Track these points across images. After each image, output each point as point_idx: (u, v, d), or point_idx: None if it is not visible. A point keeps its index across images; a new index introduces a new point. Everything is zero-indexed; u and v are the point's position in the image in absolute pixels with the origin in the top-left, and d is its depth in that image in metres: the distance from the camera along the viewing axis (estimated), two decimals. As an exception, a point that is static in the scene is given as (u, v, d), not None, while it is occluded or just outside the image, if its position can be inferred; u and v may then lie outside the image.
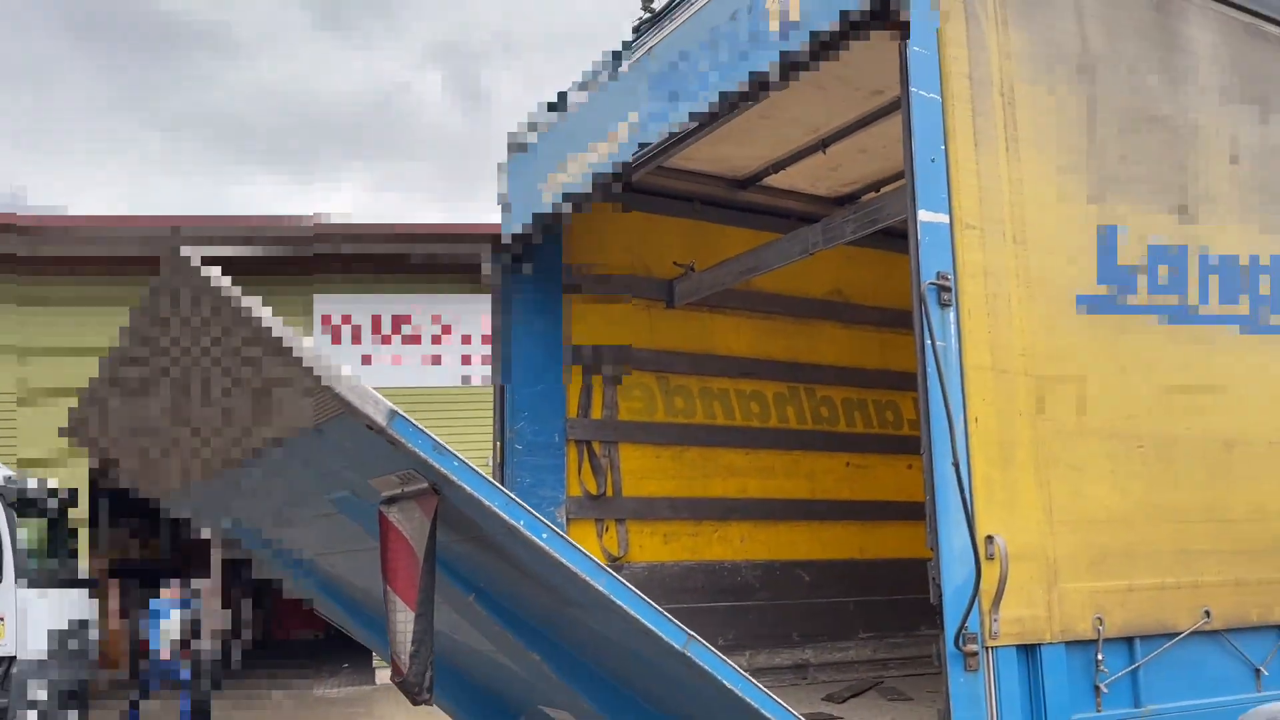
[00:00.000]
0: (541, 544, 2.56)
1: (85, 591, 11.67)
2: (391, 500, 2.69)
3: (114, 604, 16.38)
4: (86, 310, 14.83)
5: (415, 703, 2.66)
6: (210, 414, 3.08)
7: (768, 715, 2.70)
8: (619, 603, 2.62)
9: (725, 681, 2.67)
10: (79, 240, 15.11)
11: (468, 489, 2.51)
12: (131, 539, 19.74)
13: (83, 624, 11.32)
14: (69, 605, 11.09)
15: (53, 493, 11.24)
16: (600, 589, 2.60)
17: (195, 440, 3.30)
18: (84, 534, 13.89)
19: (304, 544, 4.08)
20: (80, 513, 13.31)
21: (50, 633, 10.54)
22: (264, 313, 2.47)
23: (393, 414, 2.44)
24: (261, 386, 2.72)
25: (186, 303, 2.67)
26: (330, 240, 15.25)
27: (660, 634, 2.63)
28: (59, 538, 11.55)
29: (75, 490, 12.34)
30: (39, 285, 15.21)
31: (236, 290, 2.48)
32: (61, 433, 4.02)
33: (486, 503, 2.53)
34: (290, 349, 2.45)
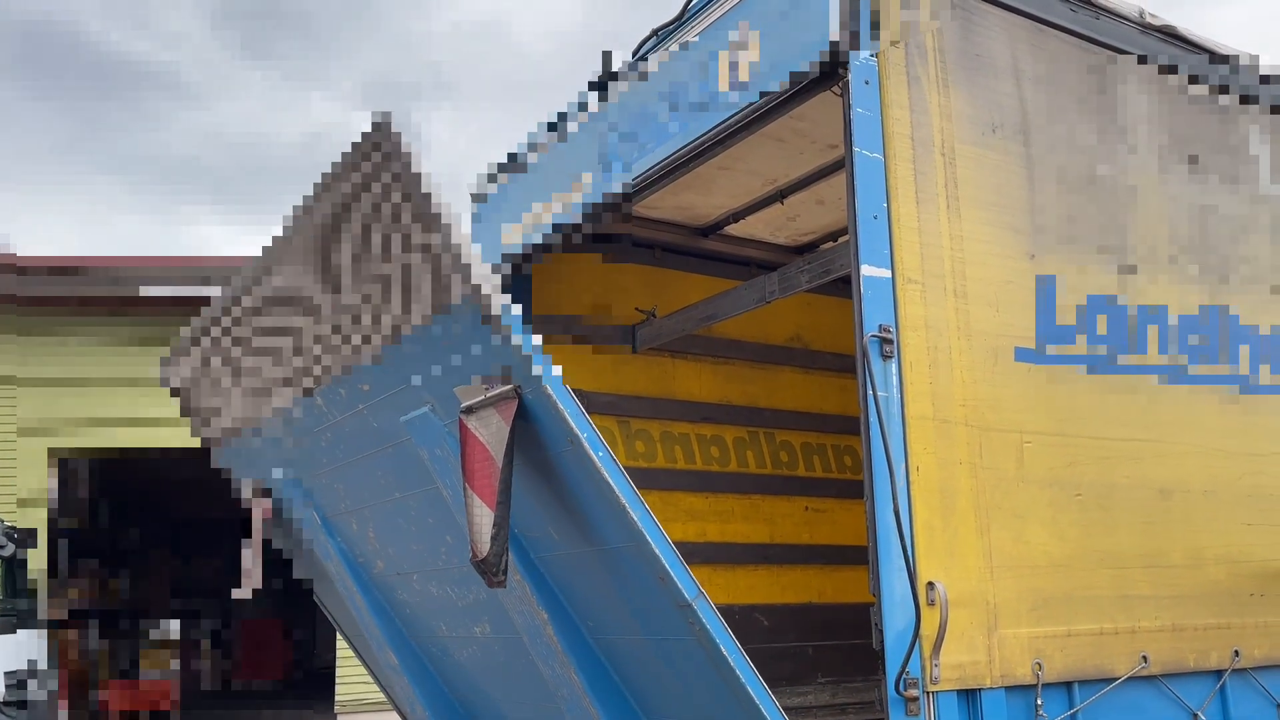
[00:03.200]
0: (596, 460, 2.80)
1: (44, 635, 11.48)
2: (470, 409, 2.96)
3: (72, 651, 16.08)
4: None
5: (491, 584, 2.95)
6: (352, 300, 3.42)
7: (752, 695, 2.83)
8: (647, 537, 2.81)
9: (721, 646, 2.83)
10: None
11: (549, 390, 2.78)
12: (90, 582, 19.42)
13: (40, 669, 11.13)
14: (25, 648, 10.90)
15: (10, 534, 11.09)
16: (634, 518, 2.80)
17: (326, 336, 3.65)
18: (42, 577, 13.68)
19: (346, 495, 4.30)
20: (38, 555, 13.13)
21: (6, 675, 10.36)
22: (436, 191, 2.84)
23: (509, 307, 2.81)
24: (412, 265, 3.04)
25: (377, 168, 2.97)
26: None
27: (676, 580, 2.80)
28: (16, 579, 11.37)
29: (34, 530, 12.18)
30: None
31: (424, 166, 2.85)
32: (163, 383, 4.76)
33: (561, 407, 2.81)
34: (450, 229, 2.81)
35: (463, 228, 2.84)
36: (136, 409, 15.14)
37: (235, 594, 4.94)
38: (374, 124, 2.93)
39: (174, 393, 4.85)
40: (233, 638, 25.20)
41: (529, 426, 2.93)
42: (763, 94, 3.65)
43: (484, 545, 2.89)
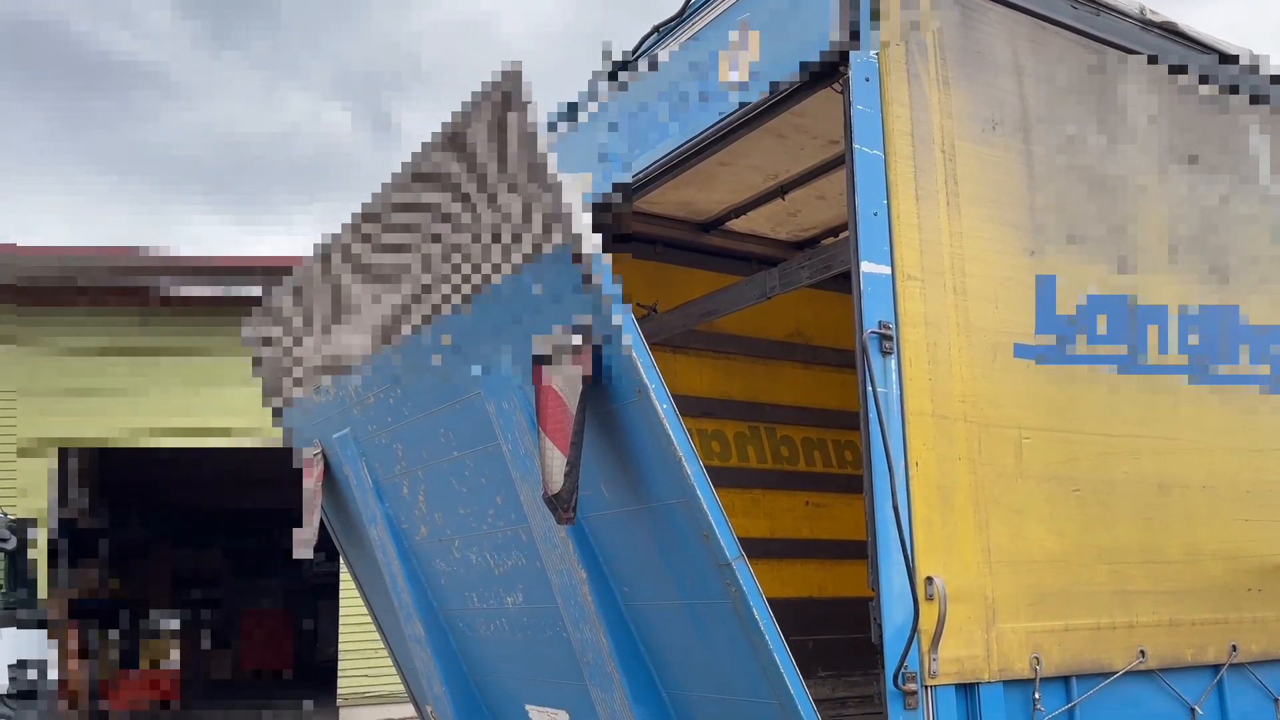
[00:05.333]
0: (661, 411, 2.98)
1: (44, 630, 11.53)
2: (547, 359, 3.18)
3: (73, 644, 16.13)
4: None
5: (560, 520, 3.16)
6: (447, 249, 3.67)
7: (778, 663, 2.94)
8: (698, 492, 2.96)
9: (754, 609, 2.95)
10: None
11: (626, 339, 3.01)
12: (92, 578, 19.48)
13: (41, 664, 11.18)
14: (27, 642, 10.95)
15: (11, 529, 11.13)
16: (688, 472, 2.96)
17: (414, 289, 3.93)
18: (43, 572, 13.73)
19: (404, 456, 4.54)
20: (39, 551, 13.18)
21: (10, 668, 10.41)
22: (544, 139, 3.08)
23: (600, 256, 3.03)
24: (513, 213, 3.27)
25: (497, 115, 3.20)
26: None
27: (719, 538, 2.95)
28: (17, 575, 11.42)
29: (34, 520, 12.23)
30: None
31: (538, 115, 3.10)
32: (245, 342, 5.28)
33: (636, 356, 3.01)
34: (556, 176, 3.05)
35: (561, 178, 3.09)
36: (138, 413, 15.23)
37: (294, 555, 5.16)
38: (502, 73, 3.13)
39: (255, 360, 5.29)
40: (237, 630, 25.28)
41: (599, 376, 3.13)
42: (763, 92, 3.66)
43: (556, 482, 3.09)
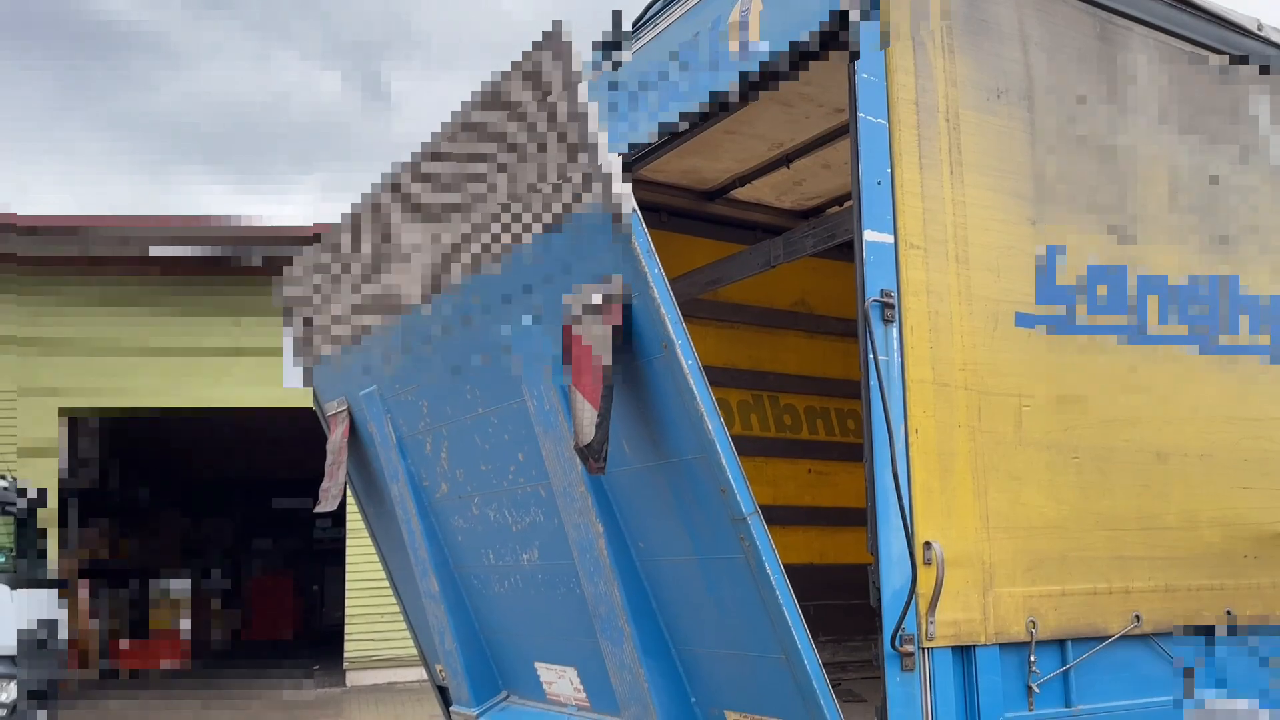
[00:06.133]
0: (685, 367, 3.07)
1: (55, 591, 11.65)
2: (578, 315, 3.31)
3: (84, 605, 16.33)
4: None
5: (591, 470, 3.28)
6: (485, 206, 3.76)
7: (787, 616, 3.05)
8: (718, 446, 3.05)
9: (766, 563, 3.06)
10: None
11: (655, 294, 3.09)
12: (101, 540, 19.68)
13: (52, 624, 11.31)
14: (38, 605, 11.07)
15: (22, 492, 11.22)
16: (709, 426, 3.06)
17: (449, 246, 4.03)
18: (53, 534, 13.87)
19: (429, 413, 4.67)
20: (49, 513, 13.30)
21: (19, 632, 10.52)
22: (585, 95, 3.16)
23: (634, 211, 3.09)
24: (550, 168, 3.36)
25: (540, 71, 3.29)
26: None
27: (736, 492, 3.05)
28: (28, 537, 11.53)
29: (45, 490, 12.33)
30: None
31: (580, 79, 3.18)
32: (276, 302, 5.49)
33: (664, 311, 3.10)
34: (595, 133, 3.13)
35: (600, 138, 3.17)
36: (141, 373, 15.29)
37: (318, 508, 5.31)
38: (545, 33, 3.21)
39: (285, 312, 5.43)
40: (243, 595, 25.54)
41: (627, 332, 3.22)
42: (766, 60, 3.67)
43: (588, 434, 3.20)
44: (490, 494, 4.42)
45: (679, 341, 3.09)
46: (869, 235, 3.32)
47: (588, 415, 3.20)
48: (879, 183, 3.36)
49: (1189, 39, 4.37)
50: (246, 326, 15.71)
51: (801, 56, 3.57)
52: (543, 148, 3.36)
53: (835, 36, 3.46)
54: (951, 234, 3.52)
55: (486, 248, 3.80)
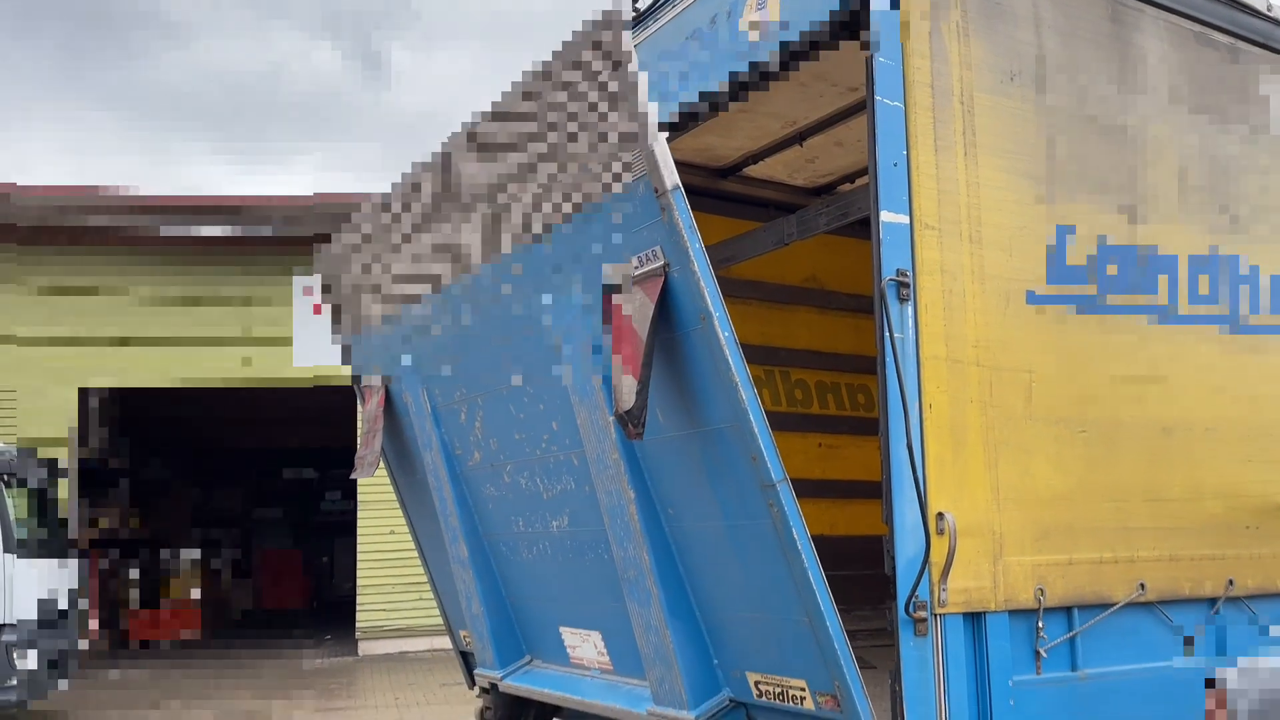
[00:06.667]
0: (722, 338, 3.20)
1: (73, 563, 11.83)
2: (618, 287, 3.46)
3: (94, 576, 16.54)
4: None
5: (630, 435, 3.39)
6: (533, 181, 3.91)
7: (811, 579, 3.18)
8: (750, 415, 3.19)
9: (793, 528, 3.20)
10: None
11: (696, 268, 3.22)
12: (114, 512, 19.88)
13: (70, 594, 11.49)
14: (56, 576, 11.25)
15: (40, 464, 11.38)
16: (743, 396, 3.19)
17: (493, 220, 4.20)
18: (70, 506, 14.05)
19: (465, 383, 4.84)
20: (66, 485, 13.48)
21: (40, 602, 10.70)
22: (636, 74, 3.30)
23: (677, 186, 3.23)
24: (599, 145, 3.50)
25: (596, 49, 3.44)
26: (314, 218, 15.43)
27: (767, 460, 3.19)
28: (47, 509, 11.69)
29: (55, 460, 12.48)
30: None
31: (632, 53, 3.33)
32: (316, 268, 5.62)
33: (703, 284, 3.23)
34: (646, 109, 3.27)
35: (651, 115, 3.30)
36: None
37: (354, 475, 5.54)
38: (603, 12, 3.34)
39: (324, 284, 5.58)
40: (254, 567, 25.79)
41: (666, 305, 3.34)
42: (785, 45, 3.75)
43: (628, 401, 3.34)
44: (523, 462, 4.57)
45: (716, 314, 3.22)
46: (885, 216, 3.42)
47: (628, 383, 3.33)
48: (895, 165, 3.45)
49: (1199, 19, 4.43)
50: (257, 305, 15.85)
51: (819, 42, 3.64)
52: (591, 126, 3.49)
53: (853, 22, 3.54)
54: (965, 214, 3.61)
55: (531, 222, 3.92)
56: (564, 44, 3.55)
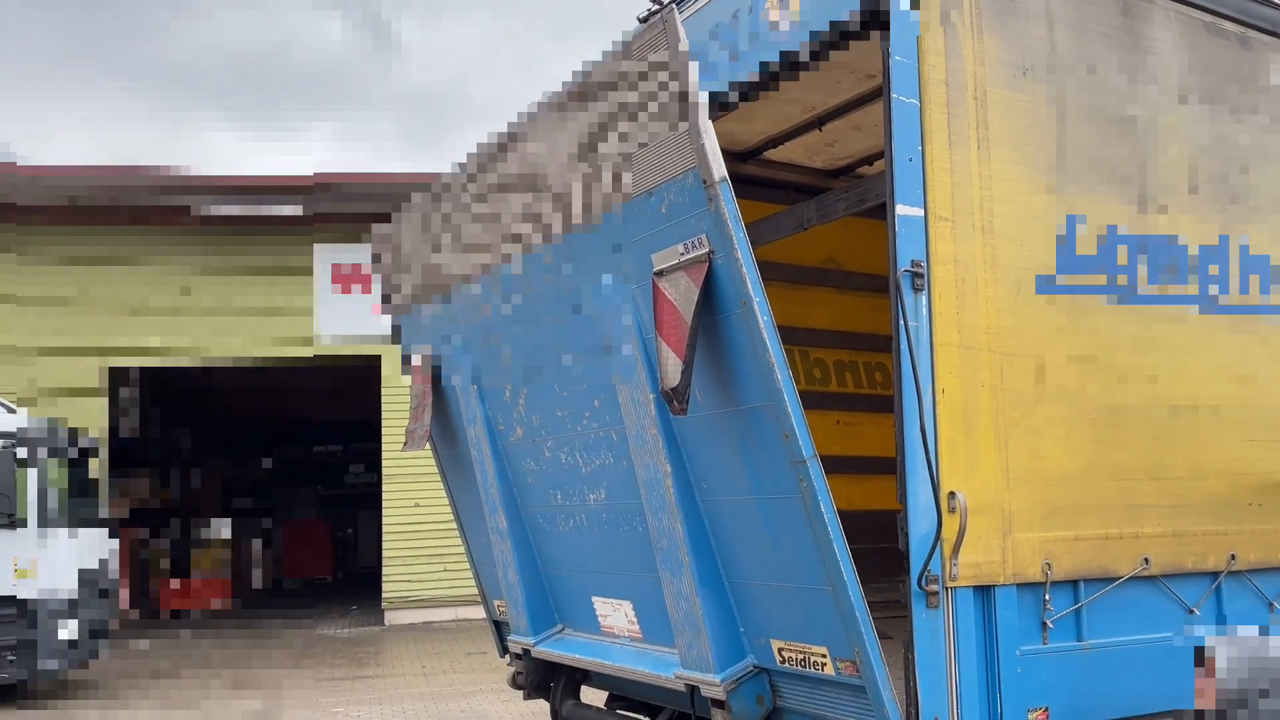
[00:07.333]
0: (761, 322, 3.41)
1: (107, 534, 12.14)
2: (663, 272, 3.67)
3: (124, 548, 16.92)
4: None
5: (674, 411, 3.62)
6: (588, 167, 4.15)
7: (836, 552, 3.37)
8: (784, 395, 3.38)
9: (821, 502, 3.40)
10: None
11: (739, 255, 3.43)
12: (145, 485, 20.27)
13: (106, 565, 11.81)
14: (93, 548, 11.55)
15: (74, 438, 11.64)
16: (779, 376, 3.39)
17: (548, 205, 4.44)
18: (103, 480, 14.37)
19: (511, 362, 5.11)
20: (99, 460, 13.79)
21: (81, 572, 11.01)
22: (690, 67, 3.51)
23: (724, 178, 3.46)
24: (652, 136, 3.74)
25: (653, 41, 3.67)
26: (332, 193, 15.62)
27: (799, 437, 3.38)
28: (83, 482, 11.98)
29: (95, 438, 12.80)
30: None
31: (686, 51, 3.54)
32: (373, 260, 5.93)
33: (745, 270, 3.43)
34: (698, 104, 3.50)
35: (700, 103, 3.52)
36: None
37: (405, 448, 5.83)
38: (651, 11, 3.63)
39: (375, 259, 5.86)
40: (281, 539, 26.21)
41: (708, 289, 3.55)
42: (806, 41, 3.88)
43: (673, 379, 3.57)
44: (563, 438, 4.81)
45: (757, 299, 3.43)
46: (901, 209, 3.57)
47: (672, 362, 3.55)
48: (910, 160, 3.60)
49: (1210, 10, 4.53)
50: (279, 280, 16.09)
51: (837, 38, 3.78)
52: (646, 118, 3.70)
53: (871, 20, 3.67)
54: (978, 206, 3.76)
55: (583, 208, 4.14)
56: (622, 41, 3.77)
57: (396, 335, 6.08)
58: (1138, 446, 4.12)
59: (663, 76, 3.59)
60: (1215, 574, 4.26)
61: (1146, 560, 4.05)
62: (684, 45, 3.51)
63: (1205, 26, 4.52)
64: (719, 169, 3.46)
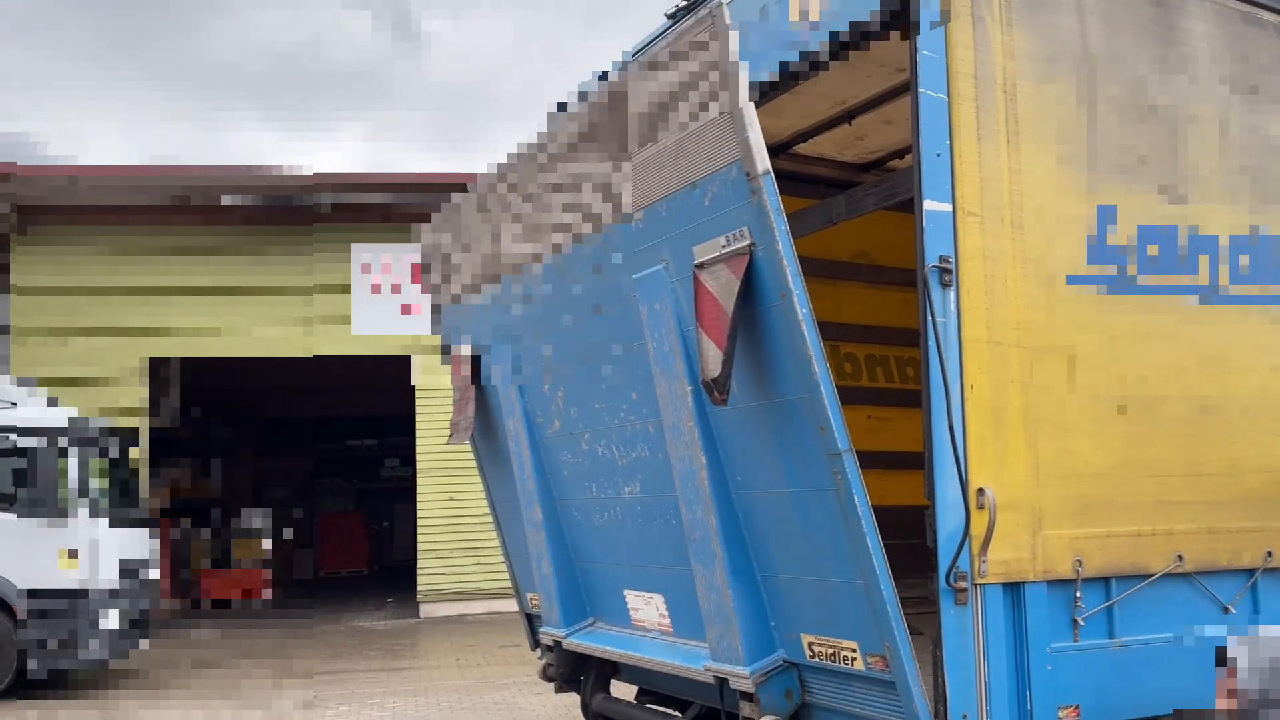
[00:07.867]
0: (800, 315, 3.43)
1: (148, 524, 12.32)
2: (704, 265, 3.69)
3: (165, 540, 17.19)
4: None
5: (715, 401, 3.65)
6: (630, 161, 4.22)
7: (869, 545, 3.38)
8: (822, 388, 3.40)
9: (855, 496, 3.42)
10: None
11: (780, 248, 3.45)
12: (184, 478, 20.56)
13: (146, 557, 12.00)
14: (134, 539, 11.74)
15: (114, 432, 11.83)
16: (816, 370, 3.41)
17: (590, 199, 4.53)
18: (144, 473, 14.61)
19: (552, 355, 5.20)
20: (139, 453, 14.04)
21: (122, 562, 11.19)
22: (735, 59, 3.54)
23: (768, 171, 3.46)
24: (696, 131, 3.79)
25: (699, 35, 3.71)
26: (364, 190, 15.76)
27: (835, 430, 3.41)
28: (123, 475, 12.16)
29: (136, 430, 13.01)
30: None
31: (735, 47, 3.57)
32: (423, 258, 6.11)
33: (786, 263, 3.46)
34: (743, 98, 3.52)
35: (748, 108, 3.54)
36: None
37: (450, 440, 5.98)
38: (707, 13, 3.61)
39: (423, 254, 5.99)
40: (316, 532, 26.51)
41: (749, 282, 3.59)
42: (832, 36, 3.87)
43: (714, 370, 3.60)
44: (601, 430, 4.87)
45: (796, 292, 3.45)
46: (929, 205, 3.55)
47: (713, 354, 3.58)
48: (938, 155, 3.58)
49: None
50: (319, 274, 16.26)
51: (864, 35, 3.77)
52: (692, 115, 3.74)
53: (899, 14, 3.65)
54: (1007, 201, 3.73)
55: (625, 202, 4.19)
56: (670, 38, 3.82)
57: (438, 326, 6.18)
58: (1170, 442, 4.08)
59: (709, 71, 3.62)
60: (1251, 571, 4.21)
61: (1180, 557, 4.01)
62: (734, 44, 3.53)
63: (1241, 16, 4.45)
64: (763, 161, 3.49)
